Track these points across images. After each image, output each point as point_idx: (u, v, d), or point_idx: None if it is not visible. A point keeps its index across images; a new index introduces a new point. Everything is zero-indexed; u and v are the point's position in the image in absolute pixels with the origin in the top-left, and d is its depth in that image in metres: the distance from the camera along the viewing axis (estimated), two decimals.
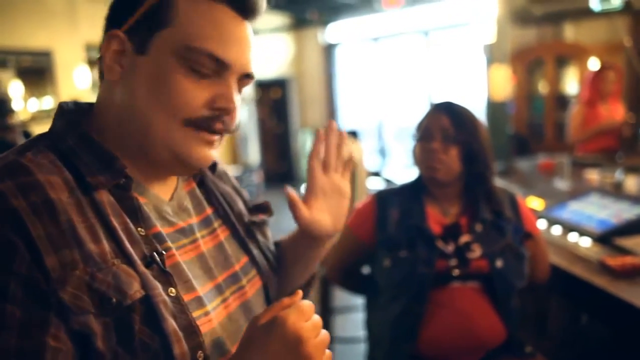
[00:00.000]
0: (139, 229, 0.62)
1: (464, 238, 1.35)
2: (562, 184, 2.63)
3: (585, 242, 1.71)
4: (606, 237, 1.68)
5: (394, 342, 1.34)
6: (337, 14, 7.27)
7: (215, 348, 0.65)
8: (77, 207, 0.58)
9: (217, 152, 0.68)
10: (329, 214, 0.81)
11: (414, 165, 1.48)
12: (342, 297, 3.17)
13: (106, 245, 0.58)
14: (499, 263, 1.31)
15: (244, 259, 0.78)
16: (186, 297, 0.63)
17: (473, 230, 1.36)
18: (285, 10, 7.17)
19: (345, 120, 7.96)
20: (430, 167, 1.36)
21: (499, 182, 1.49)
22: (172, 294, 0.60)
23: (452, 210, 1.41)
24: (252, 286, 0.77)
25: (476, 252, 1.33)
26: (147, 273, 0.59)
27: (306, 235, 0.83)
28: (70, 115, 0.66)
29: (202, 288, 0.67)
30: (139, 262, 0.59)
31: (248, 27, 0.66)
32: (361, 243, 1.46)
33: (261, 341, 0.57)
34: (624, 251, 1.59)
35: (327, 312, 2.64)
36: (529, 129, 5.61)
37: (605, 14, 4.73)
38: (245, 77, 0.67)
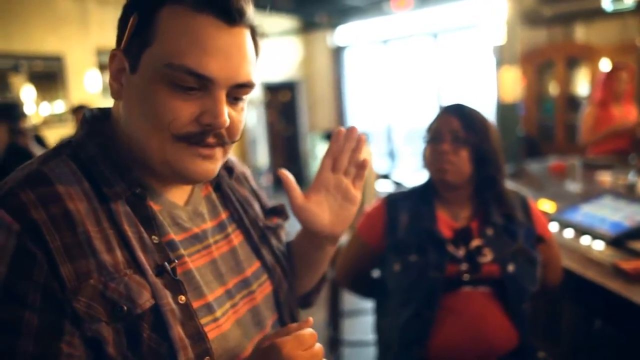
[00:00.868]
0: (153, 237, 0.64)
1: (475, 242, 1.34)
2: (573, 187, 2.60)
3: (598, 246, 1.68)
4: (619, 240, 1.65)
5: (404, 347, 1.33)
6: (346, 17, 7.27)
7: (224, 353, 0.66)
8: (94, 217, 0.60)
9: (218, 164, 0.67)
10: (328, 212, 0.81)
11: (423, 167, 1.47)
12: (351, 300, 3.16)
13: (119, 255, 0.60)
14: (510, 267, 1.30)
15: (256, 264, 0.78)
16: (196, 304, 0.64)
17: (484, 234, 1.34)
18: (294, 14, 7.19)
19: (354, 123, 7.94)
20: (440, 169, 1.35)
21: (509, 185, 1.47)
22: (181, 302, 0.62)
23: (462, 213, 1.40)
24: (262, 291, 0.77)
25: (487, 256, 1.31)
26: (158, 282, 0.61)
27: (306, 233, 0.84)
28: (91, 123, 0.67)
29: (213, 294, 0.68)
30: (150, 271, 0.61)
31: (237, 33, 0.62)
32: (370, 247, 1.45)
33: None
34: (637, 254, 1.56)
35: (336, 315, 2.63)
36: (539, 131, 5.56)
37: (617, 15, 4.68)
38: (240, 86, 0.63)
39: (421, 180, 1.49)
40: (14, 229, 0.55)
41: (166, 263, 0.63)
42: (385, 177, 4.50)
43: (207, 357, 0.62)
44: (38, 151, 3.02)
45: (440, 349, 1.29)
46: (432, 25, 6.61)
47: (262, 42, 0.68)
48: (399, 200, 1.45)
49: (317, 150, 7.58)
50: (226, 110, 0.62)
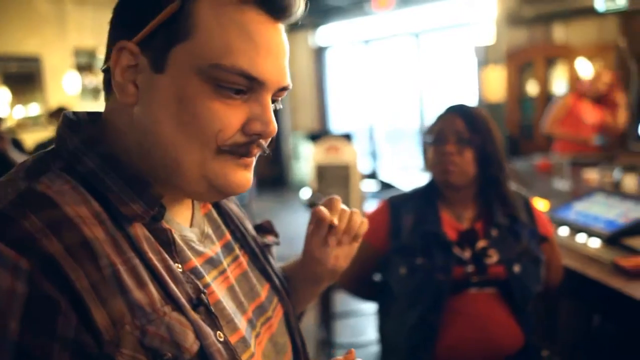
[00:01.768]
0: (177, 265, 0.54)
1: (481, 243, 1.33)
2: (562, 184, 2.64)
3: (595, 243, 1.70)
4: (615, 238, 1.68)
5: (411, 350, 1.31)
6: (328, 17, 7.26)
7: None
8: (115, 245, 0.49)
9: (252, 171, 0.60)
10: (335, 249, 0.74)
11: (426, 169, 1.47)
12: (342, 302, 3.15)
13: (153, 290, 0.49)
14: (516, 268, 1.30)
15: (266, 287, 0.70)
16: (232, 339, 0.56)
17: (489, 235, 1.34)
18: None
19: (336, 123, 7.95)
20: (445, 170, 1.34)
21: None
22: (220, 339, 0.53)
23: (466, 215, 1.40)
24: (277, 316, 0.70)
25: (493, 257, 1.31)
26: (198, 319, 0.51)
27: (306, 267, 0.76)
28: (86, 130, 0.54)
29: (242, 325, 0.60)
30: (187, 306, 0.51)
31: (281, 30, 0.56)
32: (374, 250, 1.43)
33: None
34: (633, 251, 1.58)
35: (328, 317, 2.61)
36: (520, 130, 5.65)
37: (595, 15, 4.78)
38: (283, 89, 0.58)
39: (423, 182, 1.48)
40: (23, 266, 0.43)
41: (202, 295, 0.54)
42: (372, 177, 4.49)
43: None
44: (17, 157, 2.91)
45: (447, 352, 1.29)
46: (414, 25, 6.66)
47: None
48: (401, 203, 1.44)
49: (300, 151, 7.56)
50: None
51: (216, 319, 0.54)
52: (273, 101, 0.58)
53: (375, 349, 2.78)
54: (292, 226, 5.52)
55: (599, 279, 1.46)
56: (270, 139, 0.58)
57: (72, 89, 4.96)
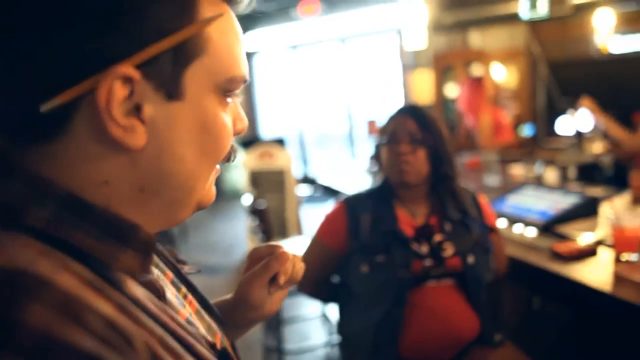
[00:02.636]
0: (183, 320, 0.47)
1: (437, 237, 1.39)
2: (492, 180, 2.82)
3: (531, 232, 1.84)
4: (548, 226, 1.82)
5: (376, 348, 1.34)
6: (254, 23, 7.23)
7: None
8: (132, 319, 0.38)
9: None
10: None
11: (379, 170, 1.50)
12: (287, 308, 3.14)
13: (190, 358, 0.42)
14: (470, 259, 1.37)
15: (212, 320, 0.59)
16: None
17: (443, 229, 1.41)
18: None
19: (266, 129, 7.92)
20: (400, 170, 1.39)
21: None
22: None
23: (420, 211, 1.45)
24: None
25: (449, 250, 1.38)
26: None
27: (238, 309, 0.67)
28: (22, 171, 0.39)
29: None
30: None
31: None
32: (333, 252, 1.45)
33: None
34: (565, 237, 1.73)
35: (277, 323, 2.59)
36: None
37: (506, 22, 5.18)
38: None
39: (377, 183, 1.52)
40: None
41: (226, 346, 0.49)
42: (305, 181, 4.52)
43: None
44: None
45: (412, 345, 1.33)
46: (340, 30, 6.81)
47: None
48: (357, 203, 1.47)
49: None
50: None
51: None
52: None
53: (323, 352, 2.80)
54: (228, 235, 5.41)
55: (539, 264, 1.58)
56: None
57: None
